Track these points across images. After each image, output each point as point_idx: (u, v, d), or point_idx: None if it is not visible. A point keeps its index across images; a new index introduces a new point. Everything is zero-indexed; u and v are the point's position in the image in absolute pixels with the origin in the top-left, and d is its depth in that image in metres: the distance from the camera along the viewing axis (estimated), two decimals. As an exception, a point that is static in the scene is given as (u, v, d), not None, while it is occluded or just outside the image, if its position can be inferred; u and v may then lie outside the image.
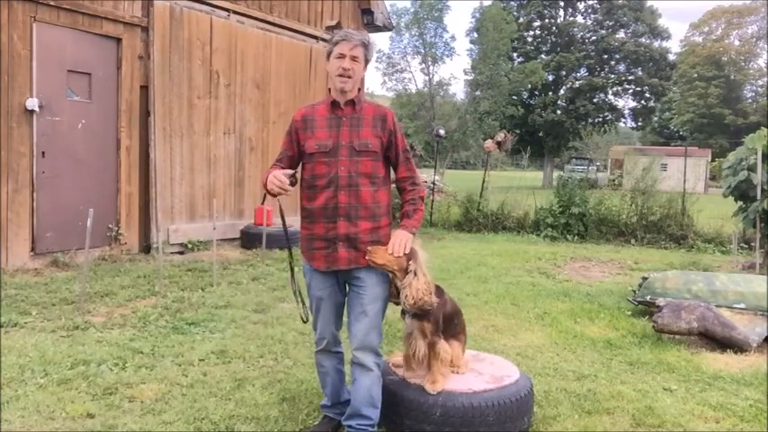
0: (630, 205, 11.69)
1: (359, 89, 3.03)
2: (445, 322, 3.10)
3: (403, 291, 2.90)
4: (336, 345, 3.16)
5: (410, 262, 2.90)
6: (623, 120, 44.21)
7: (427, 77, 32.98)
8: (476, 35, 32.50)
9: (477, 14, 32.79)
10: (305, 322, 3.26)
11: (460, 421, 2.94)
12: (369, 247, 2.89)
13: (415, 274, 2.88)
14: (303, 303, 3.23)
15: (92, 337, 4.57)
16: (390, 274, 2.96)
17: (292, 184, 2.85)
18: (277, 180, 2.82)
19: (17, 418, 3.23)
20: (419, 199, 3.07)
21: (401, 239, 2.89)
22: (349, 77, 2.91)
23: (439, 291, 3.08)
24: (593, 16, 41.32)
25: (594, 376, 4.12)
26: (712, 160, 33.45)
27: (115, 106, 7.91)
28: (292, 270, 3.30)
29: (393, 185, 3.20)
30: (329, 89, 3.06)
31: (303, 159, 3.03)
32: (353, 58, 2.92)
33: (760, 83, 50.52)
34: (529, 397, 3.19)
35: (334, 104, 2.99)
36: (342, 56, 2.92)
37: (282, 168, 3.00)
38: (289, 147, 3.07)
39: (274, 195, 2.91)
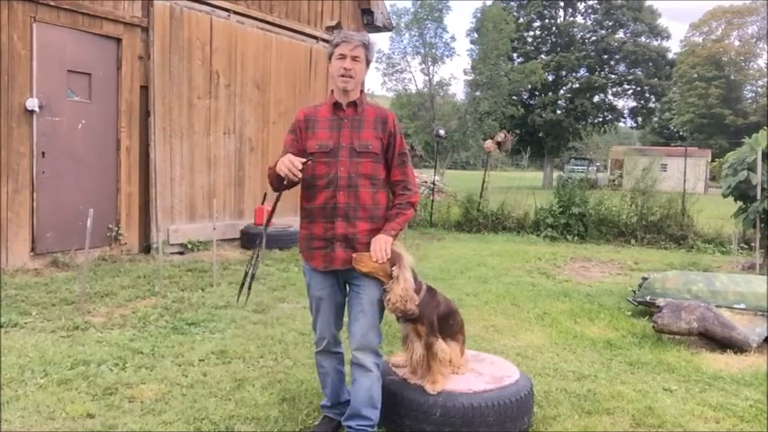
0: (630, 205, 11.69)
1: (361, 91, 3.03)
2: (440, 323, 3.09)
3: (385, 296, 2.89)
4: (336, 345, 3.16)
5: (394, 267, 2.87)
6: (623, 120, 44.25)
7: (427, 78, 32.99)
8: (476, 35, 32.49)
9: (479, 14, 32.79)
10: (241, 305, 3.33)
11: (460, 421, 2.94)
12: (354, 255, 2.88)
13: (397, 280, 2.86)
14: (249, 288, 3.31)
15: (92, 338, 4.57)
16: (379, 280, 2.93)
17: (303, 171, 2.82)
18: (288, 162, 2.79)
19: (17, 419, 3.23)
20: (407, 204, 3.03)
21: (380, 244, 2.86)
22: (351, 77, 2.93)
23: (432, 292, 3.07)
24: (592, 16, 41.33)
25: (594, 376, 4.13)
26: (712, 160, 33.45)
27: (115, 106, 7.91)
28: (256, 260, 3.34)
29: None
30: (331, 90, 3.06)
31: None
32: (354, 59, 2.93)
33: (760, 83, 50.52)
34: (529, 397, 3.19)
35: (336, 106, 3.00)
36: (343, 56, 2.93)
37: None
38: (291, 146, 3.07)
39: (281, 182, 2.87)
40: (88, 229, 5.24)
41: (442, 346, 3.07)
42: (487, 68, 30.33)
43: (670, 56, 42.75)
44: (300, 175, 2.82)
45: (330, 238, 2.96)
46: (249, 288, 3.30)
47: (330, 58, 2.99)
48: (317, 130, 2.99)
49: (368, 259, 2.86)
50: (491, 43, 30.16)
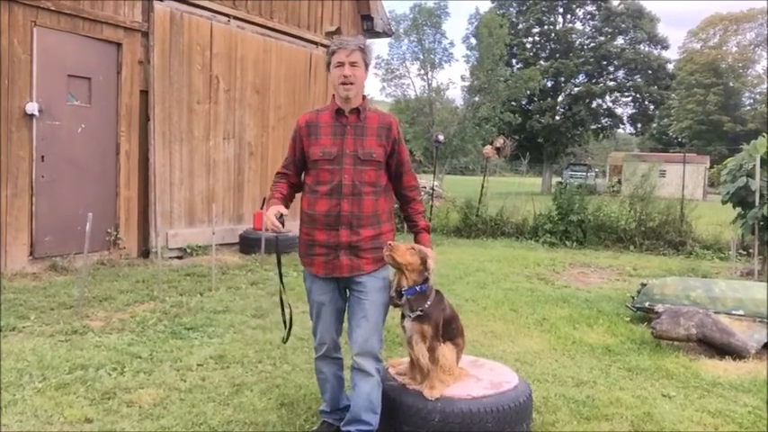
0: (629, 211, 11.70)
1: (363, 97, 3.03)
2: (444, 326, 3.10)
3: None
4: (336, 351, 3.16)
5: (426, 263, 2.97)
6: (622, 126, 44.29)
7: (426, 83, 33.05)
8: (472, 41, 32.59)
9: (474, 20, 32.92)
10: (284, 342, 3.30)
11: (459, 427, 2.94)
12: (389, 243, 2.91)
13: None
14: (290, 326, 3.25)
15: (90, 342, 4.56)
16: (397, 274, 2.99)
17: (282, 223, 2.94)
18: (270, 223, 2.90)
19: (15, 423, 3.22)
20: (424, 212, 3.20)
21: (432, 255, 2.99)
22: (351, 84, 2.92)
23: (440, 295, 3.09)
24: (591, 23, 41.43)
25: (593, 382, 4.13)
26: (711, 167, 33.50)
27: (115, 111, 7.92)
28: (282, 291, 3.25)
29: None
30: (333, 95, 3.06)
31: (307, 165, 3.04)
32: (352, 64, 2.93)
33: (758, 90, 50.69)
34: (527, 403, 3.19)
35: (339, 112, 2.99)
36: (341, 64, 2.92)
37: (288, 178, 3.09)
38: (293, 153, 3.08)
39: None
40: (87, 233, 5.24)
41: (444, 351, 3.07)
42: (483, 73, 30.38)
43: (669, 64, 42.78)
44: (282, 227, 2.92)
45: (334, 246, 2.95)
46: (290, 328, 3.26)
47: (329, 67, 2.99)
48: (321, 136, 2.98)
49: (403, 251, 2.92)
50: (487, 48, 30.22)
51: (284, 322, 3.24)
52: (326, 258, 2.97)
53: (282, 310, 3.25)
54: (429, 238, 3.12)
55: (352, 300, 3.04)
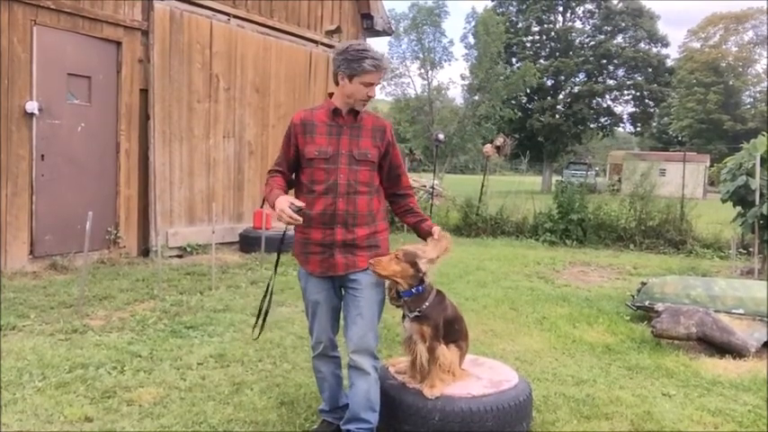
0: (629, 210, 11.70)
1: None
2: (446, 327, 3.09)
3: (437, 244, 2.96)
4: (333, 349, 3.16)
5: (417, 265, 2.90)
6: (622, 125, 44.27)
7: (426, 82, 33.06)
8: (471, 40, 32.62)
9: (471, 19, 32.94)
10: (255, 339, 3.30)
11: (459, 426, 2.94)
12: (370, 260, 2.90)
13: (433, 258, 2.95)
14: (263, 320, 3.25)
15: (90, 341, 4.56)
16: (392, 282, 2.97)
17: (300, 213, 2.84)
18: (286, 216, 2.76)
19: (15, 422, 3.22)
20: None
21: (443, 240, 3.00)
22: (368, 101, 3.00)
23: (441, 295, 3.08)
24: (591, 21, 41.41)
25: (593, 381, 4.13)
26: (711, 166, 33.51)
27: (115, 109, 7.92)
28: (270, 292, 3.22)
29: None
30: (329, 94, 3.05)
31: (302, 164, 3.04)
32: (376, 84, 2.99)
33: (758, 89, 50.70)
34: (527, 402, 3.19)
35: (335, 112, 2.99)
36: (370, 84, 2.91)
37: (283, 174, 3.05)
38: (287, 150, 3.08)
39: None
40: (87, 232, 5.24)
41: (444, 351, 3.06)
42: (482, 72, 30.38)
43: (669, 62, 42.77)
44: (301, 219, 2.82)
45: (329, 244, 2.96)
46: (264, 321, 3.27)
47: (350, 77, 2.87)
48: (316, 135, 2.98)
49: (387, 263, 2.89)
50: (484, 46, 30.23)
51: (258, 316, 3.26)
52: (322, 257, 2.98)
53: (261, 308, 3.25)
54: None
55: (347, 297, 3.03)
